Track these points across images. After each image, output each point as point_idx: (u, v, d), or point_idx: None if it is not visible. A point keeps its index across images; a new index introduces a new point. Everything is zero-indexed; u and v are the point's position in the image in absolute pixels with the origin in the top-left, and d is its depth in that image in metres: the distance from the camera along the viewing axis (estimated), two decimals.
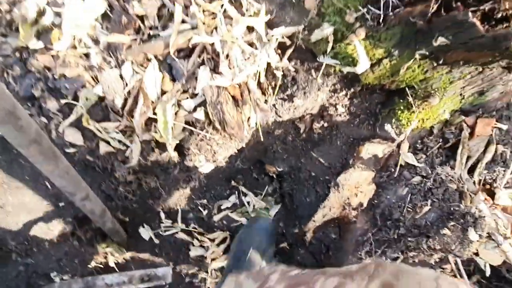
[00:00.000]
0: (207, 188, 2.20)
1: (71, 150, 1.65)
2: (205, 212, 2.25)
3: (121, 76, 1.57)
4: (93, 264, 2.17)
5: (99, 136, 1.65)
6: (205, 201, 2.21)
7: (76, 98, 1.56)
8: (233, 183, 2.25)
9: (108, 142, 1.64)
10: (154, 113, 1.56)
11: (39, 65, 1.55)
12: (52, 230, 2.04)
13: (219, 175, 2.13)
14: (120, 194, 1.92)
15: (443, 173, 1.53)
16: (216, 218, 2.25)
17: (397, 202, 1.59)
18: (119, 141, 1.65)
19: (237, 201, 2.26)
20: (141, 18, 1.58)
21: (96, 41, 1.58)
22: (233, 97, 1.54)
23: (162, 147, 1.74)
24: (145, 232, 2.23)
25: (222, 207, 2.25)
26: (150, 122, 1.64)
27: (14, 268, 2.05)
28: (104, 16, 1.59)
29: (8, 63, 1.56)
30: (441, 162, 1.59)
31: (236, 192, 2.26)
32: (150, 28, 1.59)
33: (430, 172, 1.56)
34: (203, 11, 1.52)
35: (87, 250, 2.17)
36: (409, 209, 1.57)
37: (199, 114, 1.57)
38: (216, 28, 1.51)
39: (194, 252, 2.28)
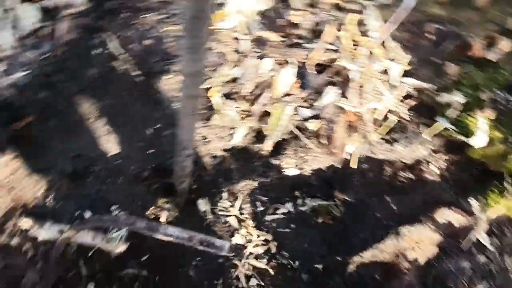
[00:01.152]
0: (273, 188, 2.33)
1: None
2: (261, 209, 2.38)
3: (257, 68, 1.75)
4: (149, 212, 2.35)
5: (215, 109, 1.84)
6: (266, 199, 2.35)
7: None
8: (296, 193, 2.37)
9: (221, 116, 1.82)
10: (271, 108, 1.72)
11: None
12: (132, 169, 2.24)
13: (289, 181, 2.27)
14: (204, 165, 2.10)
15: (509, 264, 1.60)
16: (268, 217, 2.38)
17: (455, 273, 1.67)
18: (232, 120, 1.82)
19: (292, 210, 2.37)
20: (295, 25, 1.76)
21: (249, 30, 1.77)
22: (348, 121, 1.68)
23: (261, 138, 1.90)
24: (203, 205, 2.39)
25: (278, 211, 2.38)
26: (264, 114, 1.81)
27: (87, 189, 2.26)
28: (264, 12, 1.78)
29: None
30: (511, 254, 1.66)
31: (295, 202, 2.38)
32: (299, 37, 1.76)
33: (498, 257, 1.63)
34: (353, 40, 1.68)
35: (150, 199, 2.35)
36: (464, 282, 1.65)
37: (311, 125, 1.72)
38: (357, 58, 1.66)
39: (236, 239, 2.41)
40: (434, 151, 1.75)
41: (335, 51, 1.69)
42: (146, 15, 1.68)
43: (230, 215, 2.42)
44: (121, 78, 1.81)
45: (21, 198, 2.20)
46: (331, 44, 1.67)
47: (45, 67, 1.59)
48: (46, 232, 2.18)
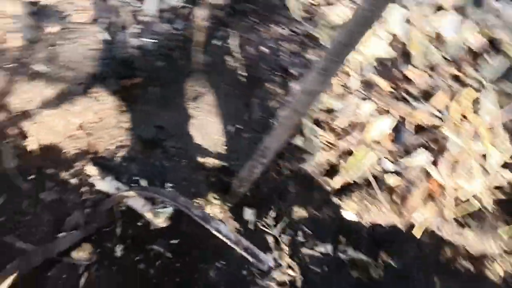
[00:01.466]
0: (321, 225, 2.31)
1: None
2: (301, 239, 2.36)
3: (357, 107, 1.77)
4: (196, 201, 2.41)
5: (302, 130, 1.87)
6: (310, 232, 2.33)
7: None
8: (342, 238, 2.33)
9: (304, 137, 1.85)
10: (356, 149, 1.72)
11: None
12: (199, 157, 2.32)
13: (341, 223, 2.24)
14: (268, 177, 2.13)
15: None
16: (305, 251, 2.35)
17: None
18: (313, 146, 1.85)
19: (331, 253, 2.33)
20: (408, 81, 1.77)
21: (362, 71, 1.81)
22: (429, 190, 1.65)
23: (332, 173, 1.90)
24: (249, 214, 2.41)
25: (316, 248, 2.35)
26: (346, 152, 1.82)
27: (153, 159, 2.35)
28: (382, 59, 1.81)
29: None
30: None
31: (337, 247, 2.33)
32: (408, 93, 1.77)
33: None
34: (462, 115, 1.66)
35: (203, 189, 2.41)
36: None
37: (390, 179, 1.70)
38: (460, 132, 1.64)
39: (266, 257, 2.40)
40: (506, 252, 1.67)
41: (440, 118, 1.68)
42: (272, 26, 1.77)
43: (270, 234, 2.42)
44: (228, 73, 1.90)
45: (95, 146, 2.35)
46: (438, 110, 1.66)
47: (171, 42, 1.71)
48: (104, 184, 2.30)
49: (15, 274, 1.55)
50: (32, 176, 2.38)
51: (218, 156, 2.18)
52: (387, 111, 1.72)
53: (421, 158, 1.60)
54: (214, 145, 2.14)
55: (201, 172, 2.34)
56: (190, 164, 2.34)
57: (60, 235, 2.25)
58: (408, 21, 1.72)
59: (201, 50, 1.82)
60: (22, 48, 1.73)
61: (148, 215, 2.30)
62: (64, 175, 2.36)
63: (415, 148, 1.67)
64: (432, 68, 1.71)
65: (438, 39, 1.74)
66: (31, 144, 2.27)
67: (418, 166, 1.61)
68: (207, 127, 2.07)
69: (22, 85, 1.85)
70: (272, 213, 2.39)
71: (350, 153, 1.74)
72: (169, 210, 2.35)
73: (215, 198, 2.48)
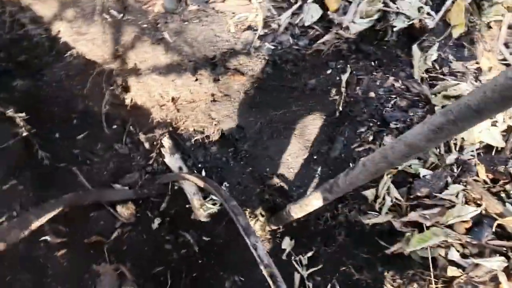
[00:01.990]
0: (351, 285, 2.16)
1: None
2: None
3: None
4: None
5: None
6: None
7: None
8: None
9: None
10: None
11: None
12: (264, 172, 2.31)
13: None
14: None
15: None
16: None
17: None
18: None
19: None
20: (511, 178, 1.61)
21: (462, 149, 1.69)
22: None
23: (391, 235, 1.77)
24: (287, 244, 2.35)
25: None
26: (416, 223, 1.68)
27: (222, 154, 2.39)
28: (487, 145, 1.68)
29: None
30: None
31: None
32: (505, 192, 1.61)
33: None
34: None
35: (254, 201, 2.41)
36: None
37: (451, 269, 1.54)
38: None
39: None
40: None
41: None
42: (389, 76, 1.75)
43: (298, 272, 2.33)
44: (326, 103, 1.90)
45: (178, 122, 2.48)
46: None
47: (288, 54, 1.78)
48: (170, 160, 2.39)
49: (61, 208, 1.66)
50: (115, 126, 2.57)
51: (281, 176, 2.17)
52: (475, 202, 1.58)
53: (495, 264, 1.44)
54: (283, 164, 2.13)
55: (259, 185, 2.34)
56: (253, 173, 2.36)
57: (116, 186, 2.39)
58: None
59: (311, 72, 1.86)
60: (160, 15, 1.91)
61: (195, 204, 2.35)
62: (142, 136, 2.52)
63: (490, 253, 1.51)
64: None
65: None
66: (128, 98, 2.46)
67: (488, 269, 1.44)
68: (283, 144, 2.08)
69: (145, 46, 2.03)
70: (310, 254, 2.30)
71: (419, 225, 1.62)
72: (215, 208, 2.37)
73: (261, 215, 2.46)
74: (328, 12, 1.68)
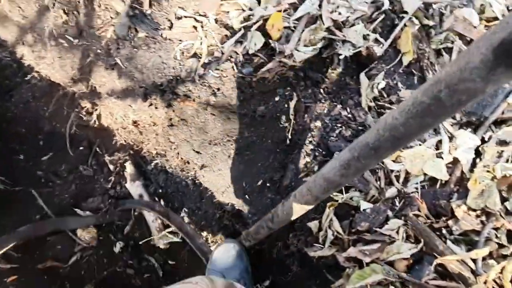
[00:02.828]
0: None
1: None
2: None
3: None
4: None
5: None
6: None
7: None
8: None
9: None
10: None
11: None
12: (225, 201, 2.27)
13: None
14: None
15: None
16: None
17: None
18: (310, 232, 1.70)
19: None
20: (453, 215, 1.55)
21: (405, 182, 1.63)
22: None
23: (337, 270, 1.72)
24: None
25: None
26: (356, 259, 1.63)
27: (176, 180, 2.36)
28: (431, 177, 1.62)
29: None
30: None
31: None
32: (447, 228, 1.54)
33: None
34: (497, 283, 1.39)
35: (213, 227, 2.38)
36: None
37: None
38: None
39: None
40: None
41: (473, 272, 1.43)
42: (336, 105, 1.71)
43: None
44: (277, 130, 1.87)
45: (141, 143, 2.47)
46: (474, 262, 1.42)
47: (231, 82, 1.76)
48: (131, 187, 2.38)
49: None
50: (82, 148, 2.58)
51: (239, 202, 2.14)
52: (416, 238, 1.51)
53: None
54: (239, 190, 2.11)
55: (218, 210, 2.31)
56: (211, 198, 2.33)
57: (77, 211, 2.39)
58: (477, 152, 1.52)
59: (259, 98, 1.84)
60: (113, 40, 1.92)
61: (154, 232, 2.33)
62: (107, 158, 2.52)
63: None
64: (487, 214, 1.47)
65: (509, 188, 1.50)
66: (92, 120, 2.47)
67: None
68: (238, 171, 2.06)
69: (101, 70, 2.04)
70: (267, 282, 2.26)
71: (360, 261, 1.57)
72: (175, 238, 2.35)
73: (221, 240, 2.43)
74: (270, 40, 1.65)
